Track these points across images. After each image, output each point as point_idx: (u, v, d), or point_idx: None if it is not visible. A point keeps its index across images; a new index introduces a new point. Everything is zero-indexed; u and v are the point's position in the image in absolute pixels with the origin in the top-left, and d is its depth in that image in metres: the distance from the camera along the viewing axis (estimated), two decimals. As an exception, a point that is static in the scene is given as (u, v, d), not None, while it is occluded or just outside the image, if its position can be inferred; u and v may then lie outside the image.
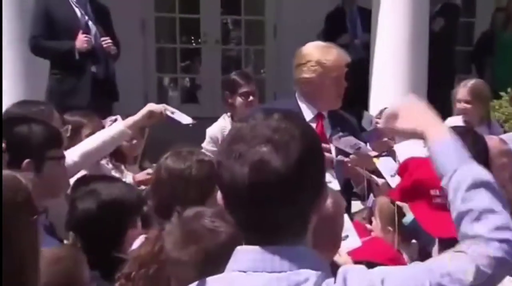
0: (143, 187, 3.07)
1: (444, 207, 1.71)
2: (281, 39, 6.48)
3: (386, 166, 2.56)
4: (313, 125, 2.57)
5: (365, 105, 4.52)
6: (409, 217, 2.06)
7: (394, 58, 4.42)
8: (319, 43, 2.67)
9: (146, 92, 6.53)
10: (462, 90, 3.57)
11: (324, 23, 5.88)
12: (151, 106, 2.49)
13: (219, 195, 1.05)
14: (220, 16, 6.95)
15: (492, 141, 2.92)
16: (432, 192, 1.76)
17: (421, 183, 1.78)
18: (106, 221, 1.80)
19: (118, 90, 4.46)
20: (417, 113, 1.19)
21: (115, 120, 2.90)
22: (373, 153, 2.67)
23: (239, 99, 3.62)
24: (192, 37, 7.58)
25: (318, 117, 2.64)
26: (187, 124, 2.57)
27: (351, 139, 2.59)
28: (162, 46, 7.01)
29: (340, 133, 2.59)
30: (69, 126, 2.64)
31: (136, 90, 6.17)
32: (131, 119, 2.45)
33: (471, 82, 3.59)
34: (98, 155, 2.46)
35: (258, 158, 0.98)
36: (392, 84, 4.39)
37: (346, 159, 2.57)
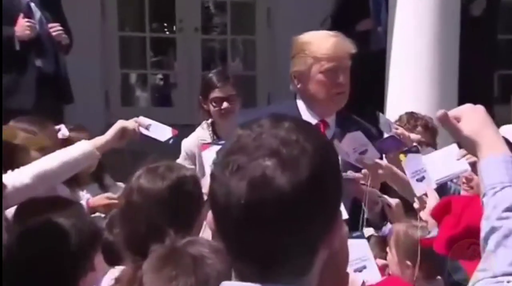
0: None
1: None
2: (277, 26, 6.48)
3: (414, 165, 2.44)
4: None
5: (382, 106, 4.50)
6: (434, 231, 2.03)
7: (416, 50, 4.39)
8: (319, 31, 2.73)
9: (106, 92, 6.53)
10: None
11: (336, 5, 5.77)
12: (123, 123, 2.53)
13: (209, 216, 1.07)
14: (200, -2, 7.01)
15: None
16: None
17: (476, 231, 1.73)
18: (48, 269, 1.79)
19: (71, 90, 4.47)
20: (479, 122, 1.35)
21: (59, 130, 2.90)
22: (382, 161, 2.60)
23: (211, 107, 3.64)
24: (165, 24, 7.59)
25: (319, 126, 2.64)
26: (167, 141, 2.59)
27: (358, 136, 2.55)
28: (127, 35, 7.00)
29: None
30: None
31: (95, 90, 6.17)
32: (101, 139, 2.49)
33: None
34: (56, 179, 2.47)
35: (259, 173, 1.00)
36: (412, 82, 4.37)
37: (357, 175, 2.52)
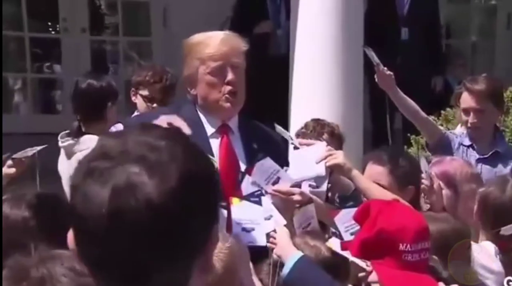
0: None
1: (417, 266, 1.84)
2: (174, 27, 6.45)
3: (244, 214, 2.46)
4: (216, 141, 2.63)
5: (286, 113, 4.53)
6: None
7: (318, 55, 4.41)
8: (209, 32, 2.71)
9: (-22, 98, 6.30)
10: None
11: (233, 6, 5.88)
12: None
13: (70, 234, 1.05)
14: (87, -5, 6.89)
15: (456, 163, 3.12)
16: (402, 247, 1.83)
17: (386, 235, 1.84)
18: None
19: None
20: None
21: None
22: (295, 189, 2.57)
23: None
24: (49, 23, 7.36)
25: (222, 130, 2.65)
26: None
27: (268, 164, 2.53)
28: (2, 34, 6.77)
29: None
30: None
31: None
32: None
33: None
34: None
35: (124, 179, 0.99)
36: (315, 88, 4.40)
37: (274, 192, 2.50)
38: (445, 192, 2.97)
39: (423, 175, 2.95)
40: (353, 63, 4.47)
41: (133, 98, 3.89)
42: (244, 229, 2.39)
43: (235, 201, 2.43)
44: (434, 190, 2.97)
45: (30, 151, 2.99)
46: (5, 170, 3.14)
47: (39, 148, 2.95)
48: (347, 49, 4.43)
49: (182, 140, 1.07)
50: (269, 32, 5.73)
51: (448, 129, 4.16)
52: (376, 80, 3.47)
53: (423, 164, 3.02)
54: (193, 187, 1.01)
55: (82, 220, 1.01)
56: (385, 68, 3.46)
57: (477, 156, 3.60)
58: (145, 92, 3.84)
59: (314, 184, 2.73)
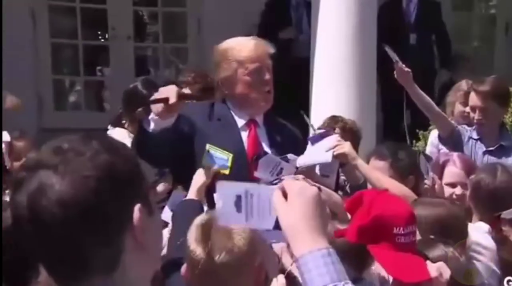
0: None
1: (409, 247, 1.89)
2: (207, 35, 6.57)
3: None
4: (245, 133, 2.70)
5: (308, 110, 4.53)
6: None
7: (336, 59, 4.50)
8: (237, 37, 2.77)
9: (40, 97, 6.54)
10: None
11: (261, 15, 6.02)
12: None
13: None
14: (132, 7, 7.07)
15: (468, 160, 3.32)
16: (395, 230, 1.86)
17: (381, 221, 1.86)
18: None
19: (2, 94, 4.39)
20: (298, 214, 1.17)
21: None
22: (299, 176, 2.48)
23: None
24: (99, 32, 7.58)
25: (250, 124, 2.72)
26: None
27: (269, 159, 2.54)
28: (59, 42, 7.01)
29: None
30: None
31: (27, 94, 6.09)
32: None
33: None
34: None
35: (36, 184, 1.03)
36: (333, 88, 4.51)
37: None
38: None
39: (426, 176, 3.01)
40: (367, 65, 4.58)
41: None
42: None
43: None
44: (435, 190, 3.03)
45: None
46: None
47: None
48: (362, 53, 4.57)
49: (92, 139, 1.07)
50: (293, 38, 5.88)
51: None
52: (395, 76, 3.52)
53: (423, 164, 3.08)
54: (103, 178, 1.02)
55: (16, 227, 1.05)
56: (403, 65, 3.51)
57: (484, 148, 3.66)
58: (186, 91, 4.01)
59: (325, 172, 2.77)
